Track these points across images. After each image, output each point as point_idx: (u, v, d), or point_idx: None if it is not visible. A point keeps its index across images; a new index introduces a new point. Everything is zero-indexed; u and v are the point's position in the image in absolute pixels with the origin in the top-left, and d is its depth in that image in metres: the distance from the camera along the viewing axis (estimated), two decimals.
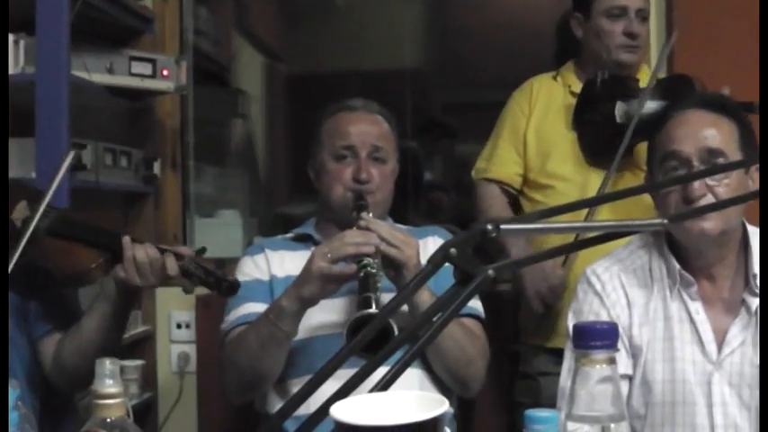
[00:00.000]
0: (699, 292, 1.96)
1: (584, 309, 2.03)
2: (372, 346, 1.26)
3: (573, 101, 2.87)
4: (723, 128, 1.94)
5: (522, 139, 2.93)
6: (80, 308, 2.31)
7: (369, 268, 2.06)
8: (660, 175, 1.98)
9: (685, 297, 1.96)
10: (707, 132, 1.93)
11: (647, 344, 1.95)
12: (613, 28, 2.85)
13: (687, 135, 1.94)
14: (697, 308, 1.95)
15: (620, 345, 1.92)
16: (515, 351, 3.01)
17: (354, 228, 2.18)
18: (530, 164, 2.91)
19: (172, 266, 2.08)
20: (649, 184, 2.05)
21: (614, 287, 2.01)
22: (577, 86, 2.89)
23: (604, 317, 1.98)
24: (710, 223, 1.89)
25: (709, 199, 1.88)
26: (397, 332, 1.91)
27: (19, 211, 2.09)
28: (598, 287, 2.02)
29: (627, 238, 2.11)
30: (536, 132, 2.92)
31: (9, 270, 1.88)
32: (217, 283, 2.14)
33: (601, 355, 1.08)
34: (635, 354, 1.97)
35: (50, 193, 1.99)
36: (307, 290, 2.10)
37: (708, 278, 1.98)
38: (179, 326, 3.50)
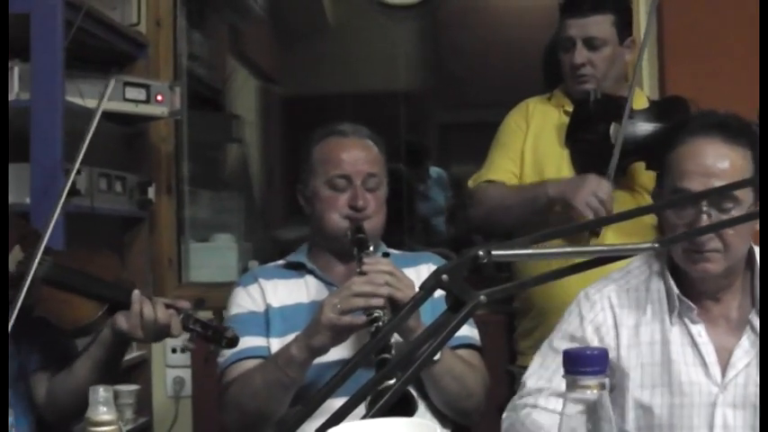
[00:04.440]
0: (701, 315, 1.91)
1: (564, 327, 2.00)
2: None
3: (567, 120, 2.87)
4: (736, 162, 1.85)
5: (520, 153, 2.92)
6: (73, 345, 2.29)
7: (380, 323, 2.06)
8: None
9: (686, 320, 1.91)
10: (717, 168, 1.84)
11: (640, 368, 1.91)
12: (565, 60, 2.87)
13: (697, 172, 1.85)
14: (699, 330, 1.90)
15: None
16: (510, 373, 3.01)
17: (357, 270, 2.17)
18: (525, 180, 2.90)
19: (176, 327, 2.08)
20: (646, 208, 2.01)
21: (603, 307, 1.97)
22: (571, 107, 2.89)
23: (580, 334, 1.95)
24: (714, 265, 1.86)
25: (717, 242, 1.83)
26: (417, 402, 2.00)
27: (14, 256, 2.07)
28: (585, 308, 1.99)
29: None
30: (533, 150, 2.91)
31: (11, 323, 1.86)
32: (216, 337, 2.12)
33: (590, 381, 1.08)
34: (619, 375, 1.93)
35: (47, 235, 1.96)
36: (317, 340, 2.10)
37: (713, 299, 1.93)
38: (174, 350, 3.49)
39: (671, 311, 1.92)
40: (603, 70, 2.82)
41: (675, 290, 1.91)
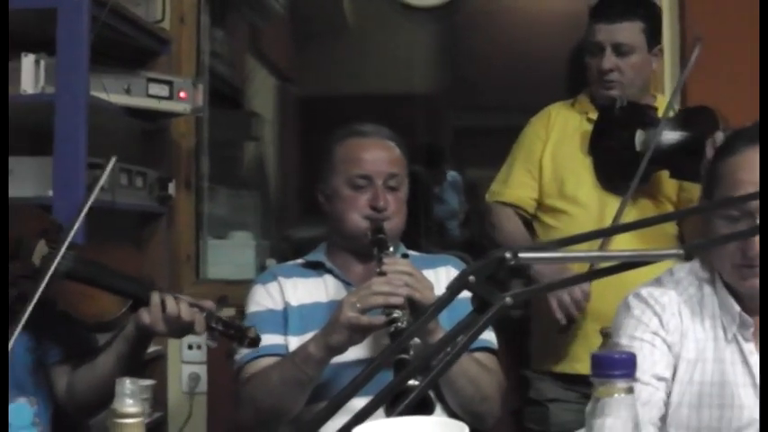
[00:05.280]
0: (753, 332, 1.83)
1: (643, 322, 1.89)
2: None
3: (589, 127, 2.88)
4: None
5: (538, 164, 2.93)
6: (94, 339, 2.31)
7: (399, 323, 2.06)
8: (718, 218, 1.83)
9: (740, 339, 1.83)
10: None
11: (691, 385, 1.84)
12: (592, 64, 2.88)
13: (752, 182, 1.76)
14: (751, 348, 1.83)
15: (665, 368, 1.84)
16: (524, 377, 3.01)
17: (376, 270, 2.17)
18: (545, 188, 2.92)
19: (200, 325, 2.08)
20: (673, 214, 1.93)
21: (673, 313, 1.88)
22: (594, 113, 2.90)
23: (659, 341, 1.86)
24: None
25: None
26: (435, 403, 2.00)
27: (39, 250, 2.08)
28: (658, 308, 1.89)
29: (657, 267, 1.87)
30: (552, 157, 2.93)
31: (29, 312, 1.87)
32: (238, 336, 2.12)
33: (620, 384, 1.08)
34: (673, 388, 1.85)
35: (73, 230, 1.96)
36: (335, 339, 2.09)
37: (759, 314, 1.85)
38: (190, 347, 3.51)
39: (727, 329, 1.85)
40: (631, 77, 2.82)
41: (737, 307, 1.84)
